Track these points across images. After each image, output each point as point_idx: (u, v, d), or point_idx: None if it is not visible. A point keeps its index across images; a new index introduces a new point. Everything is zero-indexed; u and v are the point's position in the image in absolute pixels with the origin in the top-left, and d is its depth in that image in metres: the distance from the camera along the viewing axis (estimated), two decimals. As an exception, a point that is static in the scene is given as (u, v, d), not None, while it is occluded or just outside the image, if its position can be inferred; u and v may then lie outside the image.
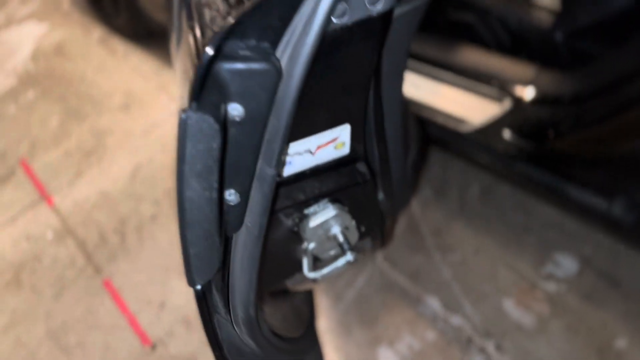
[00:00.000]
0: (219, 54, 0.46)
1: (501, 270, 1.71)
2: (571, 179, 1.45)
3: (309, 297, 1.13)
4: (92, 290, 1.89)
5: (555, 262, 1.70)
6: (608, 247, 1.68)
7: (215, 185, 0.47)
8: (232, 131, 0.51)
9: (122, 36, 2.68)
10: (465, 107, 1.70)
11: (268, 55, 0.50)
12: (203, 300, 0.57)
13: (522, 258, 1.72)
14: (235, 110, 0.50)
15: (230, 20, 0.46)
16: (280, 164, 0.56)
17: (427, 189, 1.94)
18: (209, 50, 0.43)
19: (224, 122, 0.48)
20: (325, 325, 1.68)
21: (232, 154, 0.52)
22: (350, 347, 1.63)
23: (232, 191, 0.56)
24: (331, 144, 0.71)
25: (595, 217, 1.49)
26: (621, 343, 1.51)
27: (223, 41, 0.46)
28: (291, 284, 0.91)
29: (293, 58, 0.51)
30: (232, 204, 0.56)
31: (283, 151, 0.56)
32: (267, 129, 0.54)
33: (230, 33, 0.46)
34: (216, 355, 0.65)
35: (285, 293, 0.94)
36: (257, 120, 0.51)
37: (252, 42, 0.49)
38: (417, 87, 1.79)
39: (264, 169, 0.56)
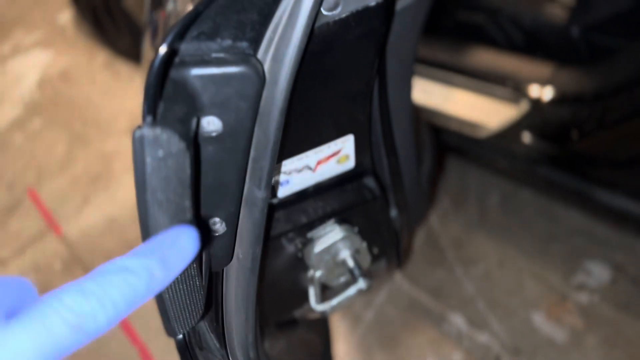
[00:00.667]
0: (175, 53, 0.39)
1: (528, 282, 1.60)
2: (599, 182, 1.36)
3: (322, 323, 1.05)
4: (102, 320, 1.82)
5: (586, 271, 1.59)
6: (643, 253, 1.57)
7: (189, 216, 0.39)
8: (208, 149, 0.43)
9: (125, 59, 2.65)
10: (480, 111, 1.61)
11: (247, 57, 0.43)
12: (187, 351, 0.50)
13: (550, 268, 1.62)
14: (210, 124, 0.42)
15: (189, 8, 0.39)
16: (271, 184, 0.48)
17: (445, 200, 1.84)
18: (162, 49, 0.36)
19: (194, 139, 0.41)
20: (343, 349, 1.59)
21: (211, 176, 0.45)
22: (372, 371, 1.54)
23: (216, 219, 0.48)
24: (333, 157, 0.63)
25: (626, 221, 1.39)
26: (664, 357, 1.39)
27: (179, 36, 0.39)
28: (300, 314, 0.83)
29: (277, 59, 0.43)
30: (217, 234, 0.49)
31: (274, 170, 0.48)
32: (253, 145, 0.46)
33: (189, 26, 0.39)
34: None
35: (294, 323, 0.86)
36: (238, 134, 0.43)
37: (227, 42, 0.42)
38: (428, 93, 1.71)
39: (252, 191, 0.48)
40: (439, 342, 1.54)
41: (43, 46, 2.90)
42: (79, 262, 1.99)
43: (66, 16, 2.96)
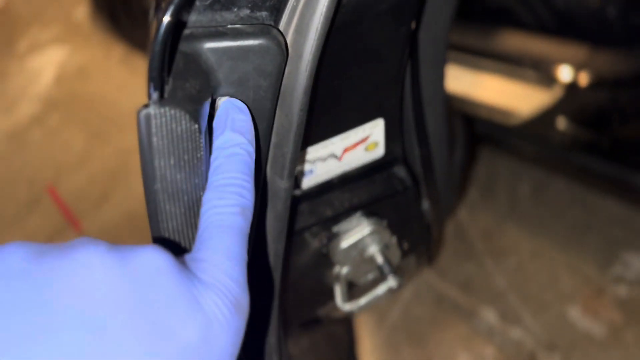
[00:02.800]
0: (184, 24, 0.34)
1: (563, 275, 1.53)
2: (639, 169, 1.28)
3: (346, 322, 1.00)
4: (123, 318, 1.80)
5: (624, 262, 1.51)
6: (685, 243, 1.48)
7: (198, 205, 0.34)
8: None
9: (142, 52, 2.62)
10: (511, 97, 1.53)
11: (267, 28, 0.37)
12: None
13: (586, 260, 1.54)
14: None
15: None
16: (295, 173, 0.43)
17: (474, 190, 1.77)
18: (166, 18, 0.31)
19: (209, 121, 0.36)
20: (370, 346, 1.54)
21: (228, 165, 0.39)
22: (400, 368, 1.48)
23: (235, 213, 0.43)
24: (361, 144, 0.57)
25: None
26: None
27: (187, 4, 0.34)
28: (324, 313, 0.77)
29: (301, 31, 0.38)
30: (235, 230, 0.43)
31: (298, 157, 0.43)
32: (274, 129, 0.41)
33: None
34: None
35: (317, 322, 0.81)
36: (257, 116, 0.38)
37: (245, 11, 0.37)
38: (457, 79, 1.63)
39: (274, 181, 0.43)
40: (469, 338, 1.47)
41: (59, 42, 2.89)
42: (99, 259, 1.97)
43: (82, 11, 2.94)
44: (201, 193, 0.34)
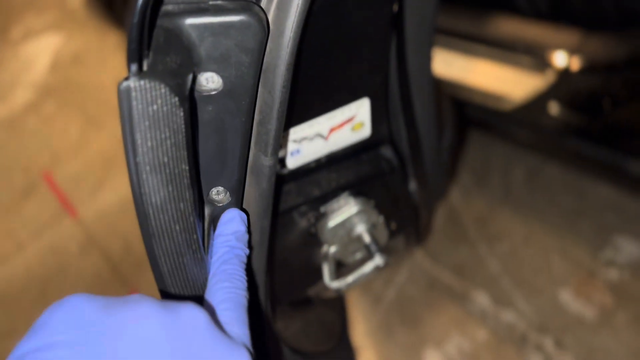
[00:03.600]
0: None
1: (555, 259, 1.54)
2: (631, 153, 1.28)
3: (338, 303, 1.01)
4: (120, 302, 1.81)
5: (616, 247, 1.52)
6: (676, 227, 1.49)
7: (187, 181, 0.35)
8: (208, 110, 0.38)
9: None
10: (505, 82, 1.54)
11: (248, 5, 0.38)
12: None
13: (578, 244, 1.55)
14: (209, 81, 0.37)
15: None
16: (279, 151, 0.44)
17: (467, 176, 1.78)
18: None
19: (190, 96, 0.36)
20: (364, 328, 1.56)
21: (212, 139, 0.40)
22: (393, 350, 1.50)
23: (220, 189, 0.44)
24: (347, 124, 0.58)
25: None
26: (701, 335, 1.33)
27: None
28: (314, 292, 0.79)
29: (282, 8, 0.38)
30: (220, 204, 0.44)
31: (281, 134, 0.43)
32: (257, 106, 0.41)
33: None
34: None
35: (308, 302, 0.82)
36: (240, 93, 0.39)
37: None
38: (450, 64, 1.64)
39: (258, 158, 0.44)
40: (462, 321, 1.49)
41: (54, 29, 2.88)
42: (95, 245, 1.98)
43: (77, -3, 2.93)
44: (183, 165, 0.35)
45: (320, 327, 0.91)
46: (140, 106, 0.31)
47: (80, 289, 1.88)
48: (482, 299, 1.52)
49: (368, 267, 0.65)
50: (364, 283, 1.65)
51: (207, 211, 0.44)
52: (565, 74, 1.41)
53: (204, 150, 0.40)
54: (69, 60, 2.70)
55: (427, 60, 0.70)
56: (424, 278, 1.60)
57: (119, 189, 2.12)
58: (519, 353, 1.42)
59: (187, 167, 0.35)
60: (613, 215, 1.57)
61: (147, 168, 0.32)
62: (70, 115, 2.46)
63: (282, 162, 0.58)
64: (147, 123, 0.31)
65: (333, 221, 0.64)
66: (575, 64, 1.40)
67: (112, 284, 1.87)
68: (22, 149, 2.36)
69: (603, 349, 1.38)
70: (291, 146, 0.56)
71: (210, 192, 0.44)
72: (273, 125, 0.41)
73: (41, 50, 2.80)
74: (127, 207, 2.04)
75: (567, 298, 1.48)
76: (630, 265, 1.47)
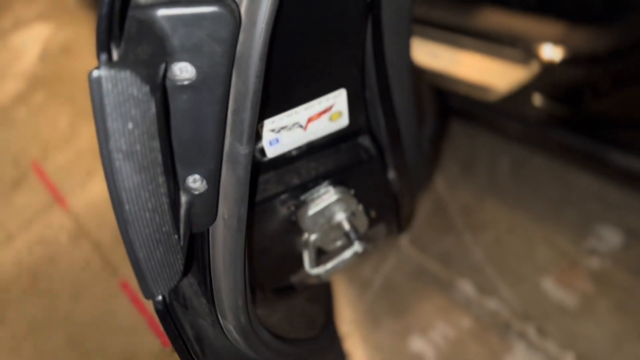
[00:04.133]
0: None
1: (539, 248, 1.57)
2: (613, 143, 1.31)
3: (324, 291, 1.03)
4: (110, 292, 1.83)
5: (598, 236, 1.55)
6: (657, 216, 1.52)
7: (160, 169, 0.36)
8: (182, 99, 0.40)
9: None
10: (490, 73, 1.55)
11: None
12: (167, 314, 0.47)
13: (561, 233, 1.58)
14: (183, 71, 0.39)
15: None
16: (254, 139, 0.45)
17: (454, 166, 1.80)
18: None
19: (163, 86, 0.37)
20: (351, 316, 1.58)
21: (187, 128, 0.41)
22: (380, 338, 1.53)
23: (196, 177, 0.45)
24: (325, 114, 0.59)
25: (641, 184, 1.35)
26: (678, 321, 1.36)
27: None
28: (297, 280, 0.80)
29: (253, -2, 0.40)
30: (197, 192, 0.46)
31: (256, 123, 0.45)
32: (232, 96, 0.43)
33: None
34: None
35: (292, 290, 0.84)
36: (214, 83, 0.40)
37: None
38: (436, 56, 1.65)
39: (234, 147, 0.45)
40: (447, 309, 1.52)
41: (44, 19, 2.87)
42: (85, 235, 1.99)
43: (66, -13, 2.92)
44: (156, 154, 0.36)
45: (304, 315, 0.93)
46: (111, 95, 0.32)
47: (70, 279, 1.89)
48: (466, 287, 1.54)
49: (347, 253, 0.67)
50: (352, 272, 1.67)
51: (183, 199, 0.46)
52: (549, 65, 1.43)
53: (179, 139, 0.42)
54: (59, 51, 2.69)
55: (405, 49, 0.71)
56: (410, 266, 1.63)
57: (108, 179, 2.13)
58: (502, 340, 1.45)
59: (159, 155, 0.37)
60: (596, 204, 1.60)
61: (120, 155, 0.34)
62: (60, 105, 2.46)
63: (262, 151, 0.60)
64: (118, 111, 0.32)
65: (313, 209, 0.66)
66: (559, 55, 1.42)
67: (102, 274, 1.88)
68: (12, 140, 2.36)
69: (584, 335, 1.41)
70: (270, 135, 0.57)
71: (186, 180, 0.45)
72: (247, 114, 0.43)
73: (31, 40, 2.79)
74: (117, 198, 2.05)
75: (550, 286, 1.50)
76: (612, 254, 1.50)
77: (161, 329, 1.65)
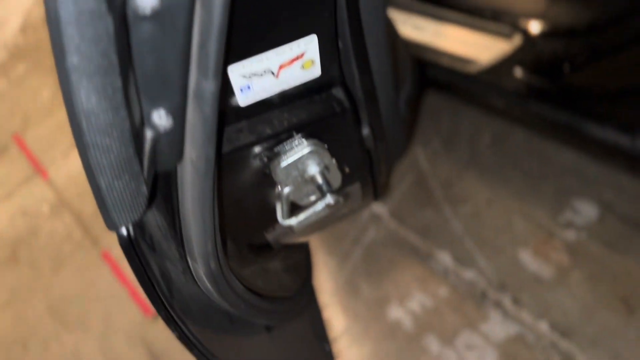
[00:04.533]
0: None
1: (516, 221, 1.59)
2: (591, 116, 1.32)
3: (302, 252, 1.04)
4: (91, 262, 1.83)
5: (574, 209, 1.58)
6: (631, 190, 1.55)
7: (120, 94, 0.36)
8: (145, 29, 0.40)
9: None
10: (473, 46, 1.56)
11: None
12: (131, 248, 0.47)
13: (539, 207, 1.60)
14: (144, 0, 0.39)
15: None
16: (221, 74, 0.45)
17: (436, 140, 1.82)
18: None
19: (122, 10, 0.37)
20: (332, 285, 1.60)
21: (151, 60, 0.41)
22: (359, 306, 1.55)
23: (162, 112, 0.45)
24: (297, 61, 0.59)
25: (617, 156, 1.36)
26: (649, 291, 1.39)
27: None
28: (272, 238, 0.81)
29: None
30: (162, 128, 0.46)
31: (222, 57, 0.45)
32: (197, 28, 0.43)
33: None
34: (162, 317, 0.55)
35: (268, 249, 0.84)
36: (177, 12, 0.40)
37: None
38: (420, 29, 1.66)
39: (200, 82, 0.45)
40: (425, 279, 1.54)
41: (26, -11, 2.82)
42: (66, 206, 1.98)
43: (48, -43, 2.86)
44: (115, 76, 0.36)
45: (280, 278, 0.94)
46: (67, 9, 0.32)
47: (51, 249, 1.89)
48: (444, 258, 1.56)
49: (319, 205, 0.67)
50: (332, 244, 1.69)
51: (148, 135, 0.46)
52: (529, 38, 1.44)
53: (142, 71, 0.42)
54: (41, 22, 2.65)
55: (380, 3, 0.70)
56: (390, 238, 1.64)
57: (90, 151, 2.11)
58: (479, 309, 1.47)
59: (119, 79, 0.36)
60: (573, 179, 1.62)
61: (77, 74, 0.34)
62: (42, 77, 2.43)
63: (235, 100, 0.60)
64: (74, 27, 0.32)
65: (286, 161, 0.67)
66: (540, 29, 1.43)
67: (83, 244, 1.88)
68: (-8, 111, 2.33)
69: (558, 305, 1.44)
70: (241, 81, 0.57)
71: (151, 115, 0.45)
72: (213, 47, 0.43)
73: (12, 12, 2.74)
74: (98, 169, 2.04)
75: (527, 257, 1.53)
76: (587, 227, 1.53)
77: (142, 298, 1.66)
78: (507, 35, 1.53)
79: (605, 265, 1.45)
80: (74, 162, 2.09)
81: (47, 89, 2.35)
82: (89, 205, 1.97)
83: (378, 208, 1.71)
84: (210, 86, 0.45)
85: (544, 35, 1.44)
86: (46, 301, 1.77)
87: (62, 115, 2.26)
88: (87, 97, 0.35)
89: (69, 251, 1.87)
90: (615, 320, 1.37)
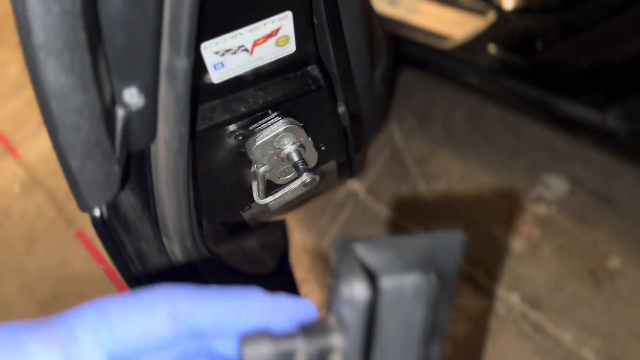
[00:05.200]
0: None
1: (489, 196, 1.62)
2: (562, 92, 1.35)
3: (279, 230, 1.04)
4: (65, 241, 1.80)
5: (545, 184, 1.61)
6: (600, 165, 1.59)
7: (90, 72, 0.36)
8: (114, 3, 0.39)
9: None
10: (447, 22, 1.57)
11: None
12: (104, 228, 0.47)
13: (511, 182, 1.63)
14: (114, -26, 0.38)
15: None
16: (193, 52, 0.44)
17: (411, 117, 1.82)
18: None
19: None
20: (309, 262, 1.61)
21: (120, 36, 0.40)
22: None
23: (133, 91, 0.44)
24: (271, 38, 0.59)
25: (588, 132, 1.40)
26: (614, 262, 1.44)
27: None
28: (248, 217, 0.81)
29: None
30: (134, 107, 0.45)
31: (194, 33, 0.44)
32: (167, 2, 0.42)
33: None
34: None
35: (245, 228, 0.85)
36: None
37: None
38: (394, 4, 1.65)
39: (172, 60, 0.45)
40: (400, 255, 1.56)
41: (-12, -40, 2.70)
42: (38, 185, 1.95)
43: None
44: (83, 53, 0.35)
45: (257, 256, 0.94)
46: None
47: (23, 228, 1.86)
48: (418, 234, 1.59)
49: (296, 183, 0.67)
50: (310, 222, 1.69)
51: (120, 113, 0.45)
52: (503, 15, 1.45)
53: (113, 48, 0.41)
54: (5, -6, 2.56)
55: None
56: (366, 214, 1.66)
57: (61, 128, 2.07)
58: (453, 283, 1.50)
59: (88, 57, 0.36)
60: (545, 154, 1.65)
61: (43, 52, 0.33)
62: (9, 53, 2.35)
63: (207, 77, 0.59)
64: (39, 2, 0.31)
65: (261, 139, 0.66)
66: (513, 5, 1.44)
67: (57, 224, 1.85)
68: (-43, 87, 2.26)
69: (528, 277, 1.48)
70: (214, 58, 0.57)
71: (123, 94, 0.44)
72: (185, 23, 0.42)
73: (-27, -17, 2.63)
74: (70, 147, 2.01)
75: (499, 232, 1.56)
76: (557, 201, 1.57)
77: (117, 277, 1.65)
78: (481, 12, 1.53)
79: (574, 239, 1.50)
80: (45, 140, 2.04)
81: (15, 65, 2.28)
82: (62, 183, 1.92)
83: (354, 185, 1.72)
84: (183, 63, 0.45)
85: (517, 11, 1.45)
86: (20, 281, 1.75)
87: (30, 92, 2.20)
88: (55, 75, 0.34)
89: (42, 230, 1.84)
90: (582, 291, 1.41)
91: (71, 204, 1.90)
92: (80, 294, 1.69)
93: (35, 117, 2.12)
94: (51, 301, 1.70)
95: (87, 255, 1.75)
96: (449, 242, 0.33)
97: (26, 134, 2.09)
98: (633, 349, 1.34)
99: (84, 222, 1.82)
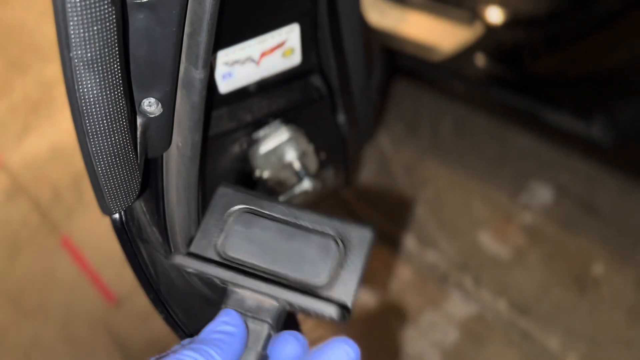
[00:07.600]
0: None
1: (476, 204, 1.65)
2: (548, 102, 1.38)
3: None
4: (50, 249, 1.78)
5: (531, 192, 1.64)
6: (585, 174, 1.63)
7: (119, 82, 0.37)
8: (139, 18, 0.40)
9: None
10: (436, 33, 1.59)
11: None
12: (124, 232, 0.48)
13: (498, 190, 1.66)
14: (139, -12, 0.39)
15: None
16: (210, 64, 0.45)
17: (399, 125, 1.85)
18: None
19: (123, 3, 0.37)
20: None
21: (143, 49, 0.41)
22: (325, 290, 1.57)
23: (152, 100, 0.45)
24: (278, 50, 0.60)
25: (573, 141, 1.43)
26: (598, 268, 1.47)
27: None
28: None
29: None
30: (152, 115, 0.46)
31: (212, 47, 0.45)
32: (188, 19, 0.43)
33: None
34: (151, 299, 0.56)
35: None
36: (170, 3, 0.40)
37: None
38: (384, 14, 1.67)
39: (189, 71, 0.46)
40: (389, 261, 1.58)
41: (-29, -37, 2.67)
42: (22, 191, 1.92)
43: None
44: (116, 65, 0.36)
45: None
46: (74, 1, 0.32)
47: (7, 237, 1.83)
48: (407, 241, 1.61)
49: (297, 189, 0.68)
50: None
51: (139, 121, 0.46)
52: (491, 27, 1.48)
53: (135, 59, 0.42)
54: (-13, -3, 2.53)
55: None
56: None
57: (46, 135, 2.05)
58: (441, 290, 1.52)
59: (119, 68, 0.37)
60: (531, 162, 1.69)
61: (81, 63, 0.34)
62: (-10, 57, 2.33)
63: (215, 86, 0.60)
64: (79, 17, 0.32)
65: (265, 147, 0.67)
66: (502, 17, 1.47)
67: (41, 230, 1.83)
68: (-60, 92, 2.22)
69: (516, 284, 1.50)
70: (223, 69, 0.58)
71: (142, 103, 0.45)
72: (203, 37, 0.43)
73: (-44, -14, 2.60)
74: (56, 155, 1.98)
75: (486, 239, 1.59)
76: (543, 209, 1.60)
77: (104, 285, 1.63)
78: (469, 22, 1.56)
79: (559, 246, 1.53)
80: (29, 146, 2.02)
81: (-2, 70, 2.26)
82: (46, 190, 1.91)
83: (345, 192, 1.74)
84: (200, 75, 0.46)
85: (504, 23, 1.48)
86: (5, 288, 1.72)
87: (14, 96, 2.18)
88: (89, 86, 0.35)
89: (26, 238, 1.82)
90: (568, 297, 1.44)
91: (56, 211, 1.88)
92: (66, 302, 1.67)
93: (18, 122, 2.10)
94: (36, 310, 1.68)
95: (72, 263, 1.73)
96: (360, 233, 0.41)
97: (9, 140, 2.06)
98: (616, 354, 1.37)
99: (69, 229, 1.80)
